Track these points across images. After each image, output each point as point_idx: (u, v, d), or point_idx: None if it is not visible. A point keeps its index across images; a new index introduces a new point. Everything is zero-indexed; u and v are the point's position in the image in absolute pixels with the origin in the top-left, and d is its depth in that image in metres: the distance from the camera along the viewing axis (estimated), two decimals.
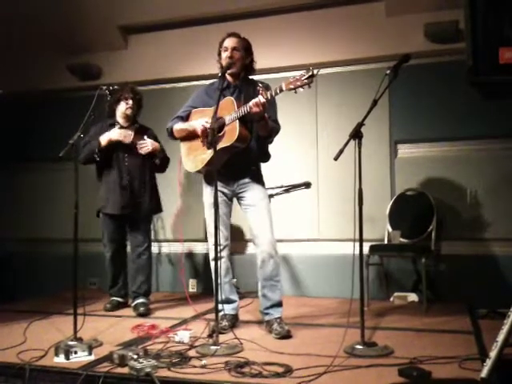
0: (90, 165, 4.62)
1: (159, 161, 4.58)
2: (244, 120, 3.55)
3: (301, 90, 3.27)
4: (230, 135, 3.53)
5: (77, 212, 3.40)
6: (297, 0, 5.27)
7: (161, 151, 4.60)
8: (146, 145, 4.50)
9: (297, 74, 3.29)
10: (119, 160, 4.56)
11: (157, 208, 4.79)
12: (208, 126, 3.58)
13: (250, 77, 3.88)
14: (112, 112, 4.63)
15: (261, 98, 3.38)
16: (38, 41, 5.97)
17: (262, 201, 3.75)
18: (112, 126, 4.60)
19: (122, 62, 5.98)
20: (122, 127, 4.60)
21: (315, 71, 3.25)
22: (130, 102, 4.55)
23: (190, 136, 3.79)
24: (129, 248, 4.82)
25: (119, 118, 4.63)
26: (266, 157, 3.86)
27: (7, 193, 6.38)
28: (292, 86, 3.28)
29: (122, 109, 4.58)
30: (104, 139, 4.49)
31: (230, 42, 3.73)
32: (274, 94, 3.38)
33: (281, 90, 3.35)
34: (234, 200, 3.91)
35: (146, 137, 4.55)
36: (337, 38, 5.26)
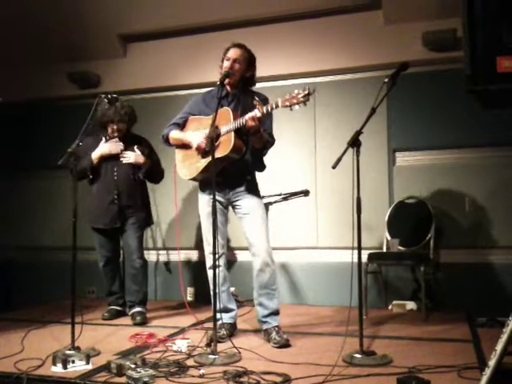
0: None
1: (142, 175, 4.58)
2: (240, 132, 3.55)
3: (296, 107, 3.28)
4: (225, 146, 3.53)
5: (75, 220, 3.39)
6: (295, 8, 5.29)
7: (147, 164, 4.56)
8: (128, 156, 4.52)
9: (294, 90, 3.29)
10: (108, 173, 4.56)
11: (148, 219, 4.78)
12: (204, 146, 3.60)
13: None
14: (103, 127, 4.61)
15: (257, 113, 3.39)
16: (38, 49, 5.99)
17: (257, 209, 3.74)
18: (105, 138, 4.61)
19: (121, 70, 5.99)
20: (110, 138, 4.60)
21: (312, 90, 3.26)
22: (120, 125, 4.54)
23: (185, 144, 3.80)
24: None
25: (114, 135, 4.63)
26: (261, 166, 3.86)
27: (7, 200, 6.38)
28: (288, 103, 3.29)
29: (111, 130, 4.58)
30: (95, 156, 4.53)
31: (232, 53, 3.72)
32: (269, 109, 3.39)
33: (277, 106, 3.36)
34: (230, 208, 3.90)
35: (135, 147, 4.57)
36: (335, 47, 5.27)
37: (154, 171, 4.66)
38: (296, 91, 3.28)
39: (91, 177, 4.58)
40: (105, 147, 4.56)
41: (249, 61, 3.77)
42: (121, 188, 4.54)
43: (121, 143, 4.57)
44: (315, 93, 3.31)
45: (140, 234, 4.68)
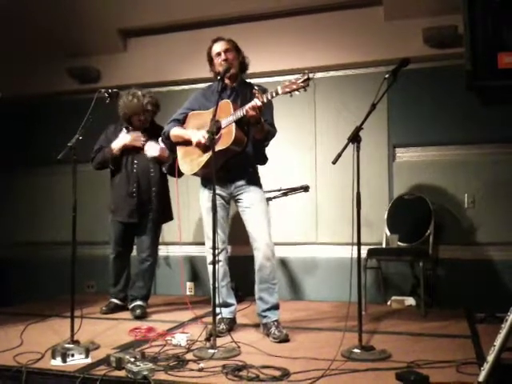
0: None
1: (167, 170, 4.50)
2: (240, 123, 3.55)
3: (296, 93, 3.28)
4: (226, 138, 3.53)
5: (75, 215, 3.40)
6: (295, 4, 5.28)
7: (170, 159, 4.41)
8: (154, 149, 4.48)
9: (293, 77, 3.30)
10: (128, 165, 4.54)
11: (166, 216, 4.74)
12: (204, 141, 3.59)
13: (248, 80, 3.90)
14: (127, 120, 4.60)
15: (257, 102, 3.39)
16: (38, 44, 5.97)
17: (259, 203, 3.74)
18: (127, 129, 4.59)
19: (121, 65, 5.98)
20: (132, 129, 4.58)
21: (311, 75, 3.26)
22: (143, 117, 4.54)
23: (186, 141, 3.80)
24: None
25: (136, 125, 4.62)
26: (263, 159, 3.86)
27: (6, 196, 6.38)
28: (288, 90, 3.29)
29: (136, 123, 4.57)
30: (117, 147, 4.51)
31: (219, 47, 3.74)
32: (270, 97, 3.39)
33: (276, 94, 3.36)
34: (232, 203, 3.91)
35: (160, 140, 4.45)
36: (335, 42, 5.26)
37: (175, 165, 4.57)
38: (295, 77, 3.29)
39: (113, 168, 4.58)
40: (127, 138, 4.53)
41: (235, 47, 3.80)
42: (140, 181, 4.52)
43: (142, 135, 4.55)
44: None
45: (155, 235, 4.65)
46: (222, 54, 3.71)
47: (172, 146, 3.95)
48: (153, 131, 4.57)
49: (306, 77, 3.25)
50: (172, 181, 4.69)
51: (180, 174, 4.17)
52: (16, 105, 6.25)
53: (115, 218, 4.61)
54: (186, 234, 5.50)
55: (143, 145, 4.52)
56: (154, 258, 4.67)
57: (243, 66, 3.84)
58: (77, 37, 5.85)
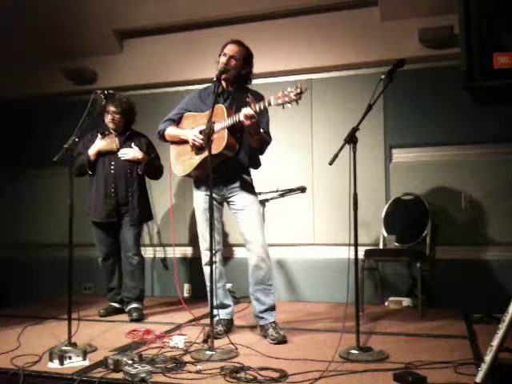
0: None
1: (141, 170, 4.57)
2: (233, 129, 3.55)
3: (289, 105, 3.27)
4: (218, 143, 3.52)
5: (71, 217, 3.39)
6: (291, 5, 5.28)
7: (146, 160, 4.56)
8: (126, 153, 4.54)
9: (286, 88, 3.27)
10: (105, 167, 4.59)
11: (146, 216, 4.77)
12: (200, 142, 3.59)
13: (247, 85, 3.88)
14: (102, 121, 4.66)
15: (249, 110, 3.37)
16: (34, 45, 5.96)
17: (251, 205, 3.74)
18: (102, 134, 4.64)
19: (117, 66, 5.97)
20: (107, 134, 4.64)
21: (304, 88, 3.25)
22: (110, 116, 4.58)
23: (181, 141, 3.80)
24: None
25: (109, 126, 4.68)
26: (256, 164, 3.85)
27: (3, 198, 6.36)
28: (280, 102, 3.28)
29: (107, 120, 4.63)
30: (92, 152, 4.57)
31: (229, 50, 3.70)
32: (262, 106, 3.38)
33: (269, 104, 3.35)
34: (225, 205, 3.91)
35: (133, 144, 4.58)
36: (332, 43, 5.26)
37: (152, 167, 4.64)
38: (288, 89, 3.26)
39: (90, 173, 4.61)
40: (101, 143, 4.59)
41: (246, 58, 3.74)
42: (118, 182, 4.56)
43: (116, 139, 4.61)
44: (307, 90, 3.29)
45: (137, 231, 4.67)
46: (227, 57, 3.69)
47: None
48: (129, 137, 4.65)
49: (298, 90, 3.23)
50: (159, 181, 4.73)
51: (161, 174, 4.46)
52: (12, 106, 6.26)
53: (95, 219, 4.63)
54: (182, 235, 5.50)
55: (118, 149, 4.57)
56: (140, 257, 4.67)
57: (245, 78, 3.80)
58: (73, 38, 5.83)
